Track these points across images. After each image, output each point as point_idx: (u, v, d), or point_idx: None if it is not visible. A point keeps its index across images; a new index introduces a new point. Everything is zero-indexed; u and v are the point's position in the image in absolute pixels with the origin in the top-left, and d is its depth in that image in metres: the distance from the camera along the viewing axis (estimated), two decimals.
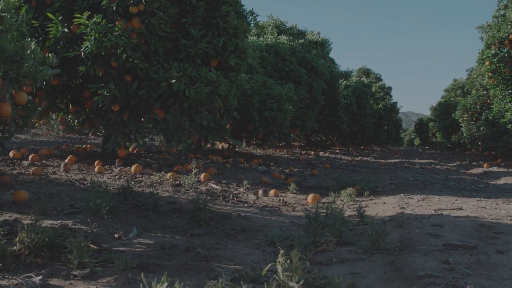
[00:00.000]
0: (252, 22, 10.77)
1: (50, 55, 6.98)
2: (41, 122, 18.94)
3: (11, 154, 9.23)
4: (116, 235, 4.62)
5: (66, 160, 9.18)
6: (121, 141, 9.49)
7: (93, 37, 8.78)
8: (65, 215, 5.02)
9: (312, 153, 19.09)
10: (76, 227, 4.61)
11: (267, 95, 14.23)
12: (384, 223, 5.71)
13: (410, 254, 4.11)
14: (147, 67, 9.05)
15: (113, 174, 8.30)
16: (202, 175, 8.78)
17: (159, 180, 7.55)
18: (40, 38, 9.57)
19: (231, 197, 7.31)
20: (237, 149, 16.85)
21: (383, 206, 7.02)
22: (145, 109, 9.56)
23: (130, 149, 12.42)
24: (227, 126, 14.06)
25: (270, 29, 21.30)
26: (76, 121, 12.29)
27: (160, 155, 12.11)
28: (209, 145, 16.44)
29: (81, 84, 10.38)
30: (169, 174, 8.43)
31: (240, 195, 7.64)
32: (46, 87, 9.74)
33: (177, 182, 7.74)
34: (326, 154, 19.62)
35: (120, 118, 9.55)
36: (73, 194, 5.99)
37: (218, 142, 17.78)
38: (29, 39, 6.57)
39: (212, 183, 8.24)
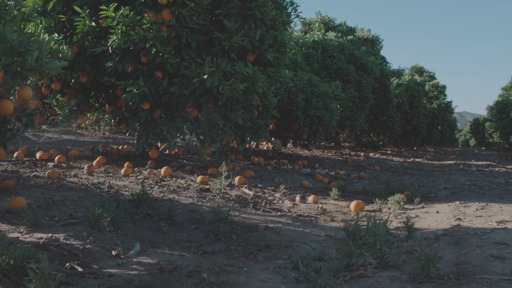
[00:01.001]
0: (292, 13, 9.89)
1: (64, 47, 6.34)
2: (87, 122, 18.56)
3: (38, 155, 8.66)
4: (113, 252, 3.86)
5: (94, 162, 8.55)
6: (152, 142, 8.79)
7: (120, 30, 8.12)
8: (61, 226, 4.30)
9: (362, 154, 18.04)
10: (68, 242, 3.87)
11: (313, 93, 13.32)
12: (436, 238, 4.76)
13: (469, 286, 3.18)
14: (178, 62, 8.32)
15: (140, 177, 7.59)
16: (236, 179, 7.99)
17: (185, 184, 6.78)
18: (68, 33, 8.97)
19: (263, 204, 6.48)
20: (282, 150, 16.02)
21: (435, 216, 6.03)
22: (177, 107, 8.83)
23: (168, 151, 11.76)
24: (270, 126, 13.28)
25: (317, 25, 20.35)
26: (112, 120, 11.72)
27: (199, 156, 11.40)
28: (248, 145, 15.64)
29: (114, 81, 9.75)
30: (200, 177, 7.67)
31: (274, 202, 6.80)
32: (74, 85, 9.14)
33: (206, 187, 6.96)
34: (377, 155, 18.54)
35: (151, 117, 8.86)
36: (81, 201, 5.27)
37: (264, 142, 16.95)
38: (40, 30, 5.92)
39: (246, 187, 7.43)
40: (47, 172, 6.49)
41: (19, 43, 5.22)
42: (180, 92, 8.39)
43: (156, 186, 6.70)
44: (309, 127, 13.14)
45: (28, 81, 6.43)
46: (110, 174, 7.68)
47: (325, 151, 17.89)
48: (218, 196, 6.38)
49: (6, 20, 5.39)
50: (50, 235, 3.98)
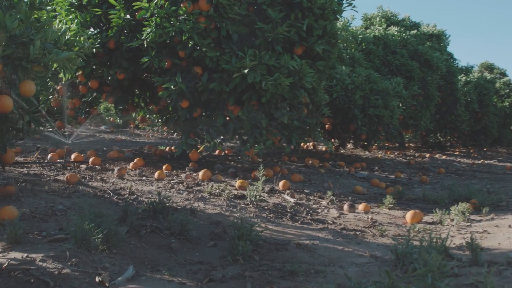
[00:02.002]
0: (344, 1, 8.89)
1: (81, 37, 5.69)
2: (145, 123, 18.09)
3: (73, 156, 8.07)
4: (97, 279, 3.07)
5: (131, 164, 7.89)
6: (192, 142, 8.03)
7: (154, 22, 7.41)
8: (47, 243, 3.56)
9: (427, 155, 16.74)
10: (43, 265, 3.12)
11: (371, 90, 12.24)
12: (509, 263, 3.73)
13: None
14: (217, 56, 7.53)
15: (174, 181, 6.85)
16: (280, 183, 7.12)
17: (218, 190, 5.95)
18: (104, 28, 8.34)
19: (304, 213, 5.57)
20: (341, 151, 15.00)
21: (508, 232, 4.95)
22: (218, 105, 8.05)
23: (216, 151, 11.01)
24: (326, 125, 12.31)
25: (378, 19, 19.15)
26: (159, 120, 11.09)
27: (249, 157, 10.59)
28: (305, 146, 14.67)
29: (151, 78, 9.08)
30: (238, 182, 6.85)
31: (318, 211, 5.88)
32: (111, 82, 8.51)
33: (242, 193, 6.12)
34: (443, 157, 17.18)
35: (190, 116, 8.11)
36: (88, 211, 4.55)
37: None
38: (52, 18, 5.27)
39: (289, 193, 6.54)
40: (66, 176, 5.83)
41: (22, 32, 4.55)
42: (221, 88, 7.60)
43: (185, 192, 5.92)
44: (367, 126, 12.07)
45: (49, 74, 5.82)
46: (143, 178, 6.99)
47: (388, 152, 16.71)
48: (251, 205, 5.52)
49: (7, 6, 4.74)
50: (26, 255, 3.25)
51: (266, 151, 12.01)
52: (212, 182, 7.10)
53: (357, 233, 4.92)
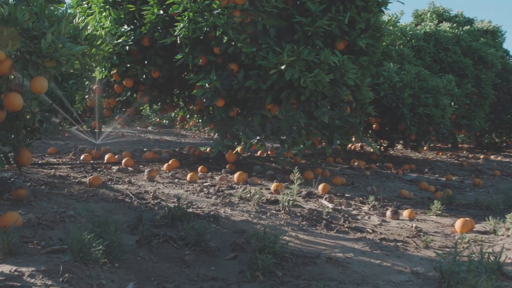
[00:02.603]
0: None
1: (102, 31, 5.32)
2: (191, 123, 17.79)
3: (106, 157, 7.77)
4: None
5: (165, 166, 7.54)
6: (229, 143, 7.59)
7: (187, 17, 7.02)
8: (44, 254, 3.17)
9: (481, 156, 15.80)
10: (31, 281, 2.74)
11: (421, 88, 11.51)
12: None
13: None
14: (254, 52, 7.07)
15: (206, 183, 6.44)
16: (320, 187, 6.61)
17: (249, 194, 5.49)
18: (138, 24, 8.02)
19: (341, 220, 5.04)
20: (390, 152, 14.30)
21: None
22: (255, 104, 7.60)
23: (259, 152, 10.56)
24: (373, 125, 11.70)
25: (429, 15, 18.26)
26: (200, 120, 10.74)
27: (291, 158, 10.09)
28: (353, 147, 13.84)
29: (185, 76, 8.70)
30: (274, 185, 6.38)
31: (358, 217, 5.34)
32: (146, 81, 8.18)
33: (277, 197, 5.63)
34: (498, 158, 16.19)
35: (226, 115, 7.69)
36: (105, 216, 4.17)
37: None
38: (69, 11, 4.94)
39: (327, 198, 6.01)
40: (88, 178, 5.48)
41: (34, 26, 4.21)
42: (257, 86, 7.15)
43: (214, 196, 5.48)
44: (417, 126, 11.36)
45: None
46: (175, 180, 6.61)
47: (439, 153, 15.86)
48: (283, 211, 5.02)
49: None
50: (15, 268, 2.87)
51: (310, 152, 11.47)
52: (248, 185, 6.68)
53: (398, 244, 4.36)
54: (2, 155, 4.52)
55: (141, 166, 7.76)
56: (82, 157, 7.78)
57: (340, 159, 11.01)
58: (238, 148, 7.43)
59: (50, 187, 5.09)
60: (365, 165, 10.10)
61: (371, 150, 14.23)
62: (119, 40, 7.82)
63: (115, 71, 8.23)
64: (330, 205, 5.60)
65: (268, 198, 5.57)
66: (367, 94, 8.28)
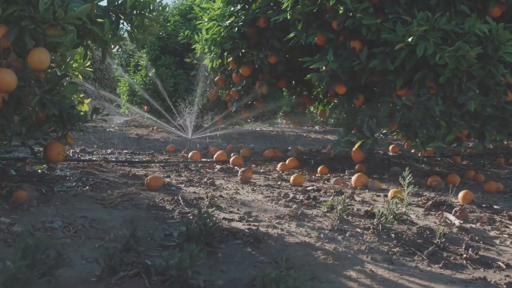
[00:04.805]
0: None
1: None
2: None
3: (215, 155, 6.78)
4: None
5: (279, 165, 6.33)
6: (353, 139, 6.10)
7: None
8: None
9: None
10: None
11: None
12: None
13: None
14: (377, 24, 5.54)
15: (310, 188, 5.09)
16: (460, 195, 4.86)
17: (344, 203, 4.00)
18: (251, 0, 6.90)
19: (462, 247, 3.32)
20: None
21: None
22: (384, 89, 6.04)
23: (391, 148, 8.80)
24: None
25: None
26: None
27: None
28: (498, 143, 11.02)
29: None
30: (392, 191, 4.80)
31: (495, 242, 3.55)
32: (261, 67, 7.03)
33: (372, 210, 4.07)
34: None
35: (349, 104, 6.23)
36: (119, 228, 3.10)
37: None
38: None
39: (459, 211, 4.25)
40: (146, 179, 4.45)
41: None
42: (383, 67, 5.62)
43: (295, 205, 4.12)
44: None
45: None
46: (279, 183, 5.36)
47: None
48: (372, 230, 3.47)
49: None
50: None
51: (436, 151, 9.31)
52: (366, 190, 5.20)
53: None
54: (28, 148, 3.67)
55: (253, 165, 6.63)
56: (190, 155, 6.86)
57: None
58: (357, 145, 5.89)
59: (93, 188, 4.15)
60: None
61: None
62: (228, 22, 6.76)
63: (231, 58, 7.21)
64: (457, 222, 3.91)
65: (367, 210, 4.04)
66: None
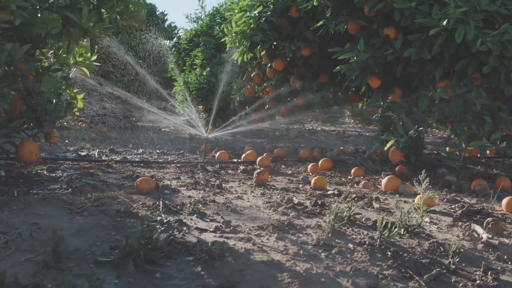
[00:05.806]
0: None
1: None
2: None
3: (243, 156, 6.31)
4: None
5: (309, 166, 5.79)
6: (389, 138, 5.43)
7: None
8: None
9: None
10: None
11: None
12: None
13: None
14: (412, 8, 4.87)
15: (331, 192, 4.52)
16: (504, 202, 4.13)
17: (365, 212, 3.40)
18: None
19: (481, 270, 2.67)
20: None
21: None
22: (422, 82, 5.34)
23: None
24: None
25: None
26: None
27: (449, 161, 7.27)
28: None
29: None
30: (418, 197, 4.11)
31: None
32: (294, 60, 6.48)
33: (380, 218, 3.44)
34: None
35: (384, 99, 5.58)
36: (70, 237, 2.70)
37: None
38: None
39: (491, 221, 3.54)
40: (136, 181, 4.03)
41: None
42: (419, 56, 4.94)
43: (293, 213, 3.57)
44: None
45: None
46: (300, 186, 4.83)
47: None
48: (364, 247, 2.84)
49: None
50: None
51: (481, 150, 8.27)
52: (397, 195, 4.57)
53: None
54: None
55: (283, 166, 6.10)
56: (217, 155, 6.42)
57: None
58: (389, 144, 5.21)
59: (74, 191, 3.78)
60: None
61: None
62: (256, 12, 6.25)
63: (263, 52, 6.70)
64: (484, 236, 3.23)
65: (376, 219, 3.42)
66: None
